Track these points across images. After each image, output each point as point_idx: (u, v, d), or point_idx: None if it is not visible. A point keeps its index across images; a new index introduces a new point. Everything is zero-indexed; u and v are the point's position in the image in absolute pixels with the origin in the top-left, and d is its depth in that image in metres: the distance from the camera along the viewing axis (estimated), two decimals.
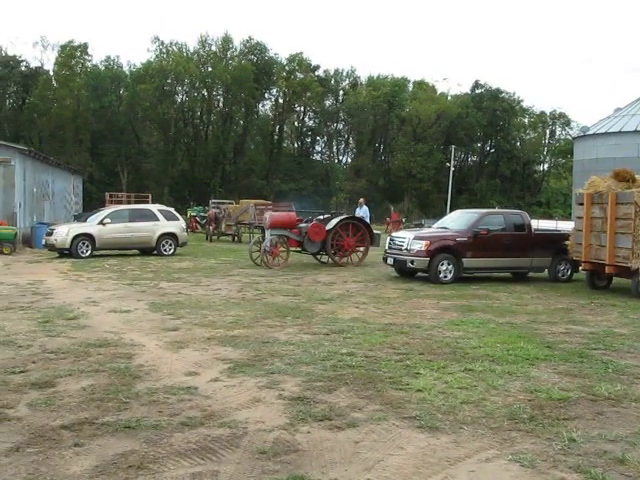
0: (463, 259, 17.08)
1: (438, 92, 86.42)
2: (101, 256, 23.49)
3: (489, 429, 5.73)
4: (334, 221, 21.25)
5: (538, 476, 4.81)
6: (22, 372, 7.28)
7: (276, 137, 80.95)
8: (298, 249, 21.45)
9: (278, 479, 4.63)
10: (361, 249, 22.05)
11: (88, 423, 5.67)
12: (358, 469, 4.85)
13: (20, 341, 8.89)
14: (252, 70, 71.66)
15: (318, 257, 22.37)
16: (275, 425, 5.72)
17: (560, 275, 18.12)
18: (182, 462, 4.91)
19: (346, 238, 21.36)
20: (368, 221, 24.13)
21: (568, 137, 78.20)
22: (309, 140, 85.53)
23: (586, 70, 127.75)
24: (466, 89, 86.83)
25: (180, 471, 4.76)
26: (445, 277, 16.91)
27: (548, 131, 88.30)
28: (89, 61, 73.45)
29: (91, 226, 24.10)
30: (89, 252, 23.49)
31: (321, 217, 22.36)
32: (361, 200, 26.65)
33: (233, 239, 36.41)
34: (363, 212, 25.41)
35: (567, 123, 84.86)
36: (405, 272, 17.99)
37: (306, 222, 21.61)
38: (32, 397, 6.40)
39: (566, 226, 23.77)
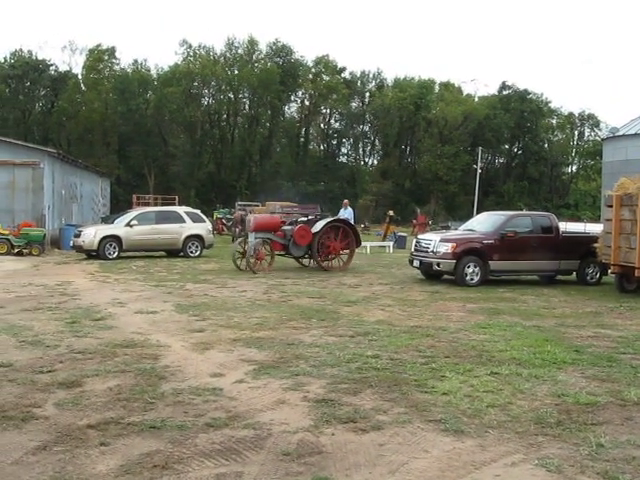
0: (490, 262, 16.95)
1: (465, 93, 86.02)
2: (128, 258, 23.67)
3: (515, 433, 5.67)
4: (320, 224, 20.42)
5: None
6: (50, 372, 7.35)
7: (302, 139, 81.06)
8: (282, 253, 20.60)
9: None
10: (345, 253, 21.28)
11: (114, 423, 5.71)
12: (382, 472, 4.83)
13: (48, 341, 8.97)
14: (278, 72, 71.84)
15: (301, 260, 21.55)
16: (299, 427, 5.71)
17: (589, 278, 17.93)
18: (206, 463, 4.92)
19: (332, 242, 20.57)
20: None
21: (597, 138, 77.45)
22: (335, 142, 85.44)
23: (615, 70, 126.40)
24: (493, 90, 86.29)
25: (204, 472, 4.77)
26: (471, 280, 16.79)
27: (577, 132, 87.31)
28: (117, 64, 74.14)
29: (118, 228, 24.31)
30: (116, 254, 23.69)
31: (304, 219, 21.32)
32: (345, 201, 25.66)
33: None
34: (348, 214, 24.33)
35: (596, 124, 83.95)
36: (431, 274, 17.90)
37: (289, 224, 20.76)
38: (59, 396, 6.45)
39: (595, 228, 23.59)
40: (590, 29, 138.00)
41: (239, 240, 20.84)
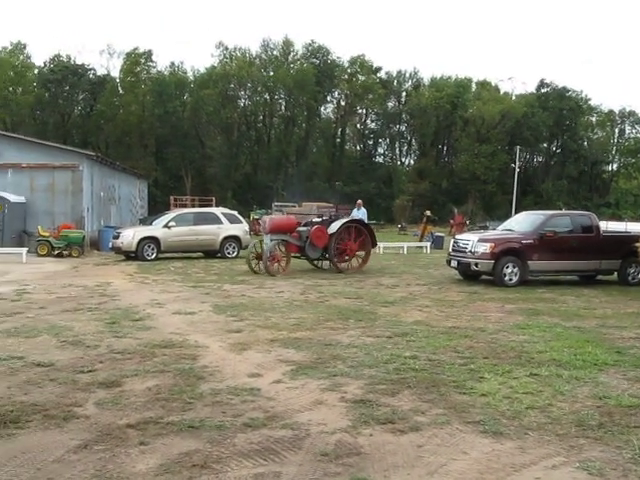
0: (529, 262, 16.75)
1: (502, 92, 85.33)
2: (166, 259, 23.87)
3: (556, 435, 5.59)
4: (336, 224, 19.99)
5: None
6: (90, 371, 7.44)
7: (338, 140, 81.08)
8: (297, 254, 20.05)
9: None
10: (361, 254, 20.83)
11: (153, 422, 5.75)
12: (421, 473, 4.80)
13: (88, 341, 9.08)
14: (314, 73, 72.00)
15: (316, 263, 20.93)
16: (337, 427, 5.70)
17: (630, 278, 17.63)
18: (245, 462, 4.94)
19: (348, 242, 20.12)
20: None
21: (638, 136, 76.19)
22: (371, 142, 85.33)
23: None
24: (531, 88, 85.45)
25: (243, 471, 4.78)
26: (510, 280, 16.62)
27: (617, 130, 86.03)
28: (154, 67, 74.98)
29: (156, 229, 24.53)
30: (154, 255, 23.90)
31: (319, 220, 21.07)
32: (359, 202, 24.70)
33: None
34: (361, 214, 23.63)
35: (637, 121, 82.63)
36: (469, 275, 17.77)
37: (304, 226, 20.33)
38: (99, 396, 6.53)
39: (637, 227, 23.19)
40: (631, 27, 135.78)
41: (254, 242, 20.41)
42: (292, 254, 19.79)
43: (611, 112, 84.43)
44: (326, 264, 20.73)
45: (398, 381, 7.17)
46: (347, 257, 20.40)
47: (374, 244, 21.36)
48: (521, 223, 18.52)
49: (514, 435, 5.58)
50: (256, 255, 19.71)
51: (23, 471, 4.74)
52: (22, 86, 72.71)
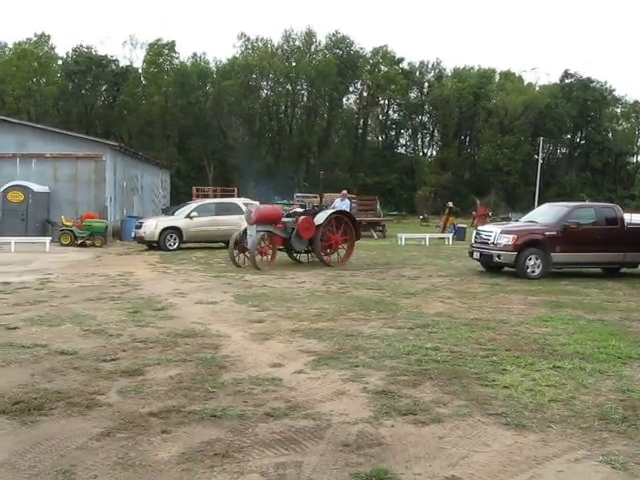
0: (552, 254, 16.62)
1: (525, 82, 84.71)
2: (188, 249, 23.98)
3: (579, 429, 5.54)
4: (323, 215, 18.94)
5: (630, 479, 4.62)
6: (113, 360, 7.48)
7: (360, 130, 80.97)
8: (280, 247, 18.88)
9: (361, 472, 4.60)
10: (344, 247, 19.86)
11: (175, 411, 5.78)
12: (442, 465, 4.78)
13: (111, 330, 9.14)
14: (336, 64, 71.86)
15: (296, 256, 20.00)
16: (359, 418, 5.69)
17: None
18: (266, 452, 4.94)
19: (333, 234, 19.17)
20: None
21: None
22: (393, 133, 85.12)
23: None
24: (555, 79, 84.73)
25: (264, 461, 4.79)
26: (533, 272, 16.51)
27: None
28: (176, 58, 75.21)
29: (178, 219, 24.66)
30: (176, 245, 24.04)
31: (301, 210, 19.92)
32: (344, 192, 23.75)
33: None
34: (345, 205, 22.43)
35: None
36: (491, 266, 17.67)
37: (288, 217, 19.18)
38: (122, 384, 6.56)
39: None
40: None
41: (236, 234, 18.76)
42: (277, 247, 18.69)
43: (636, 103, 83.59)
44: (305, 257, 20.07)
45: (420, 372, 7.14)
46: (328, 250, 19.37)
47: (358, 236, 20.42)
48: (544, 215, 18.37)
49: (536, 428, 5.53)
50: (238, 247, 18.70)
51: (46, 457, 4.78)
52: (46, 77, 73.32)
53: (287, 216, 19.20)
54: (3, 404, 5.84)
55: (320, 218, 18.78)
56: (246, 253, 18.54)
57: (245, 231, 18.45)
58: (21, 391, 6.25)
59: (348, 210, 21.99)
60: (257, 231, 17.78)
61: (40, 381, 6.62)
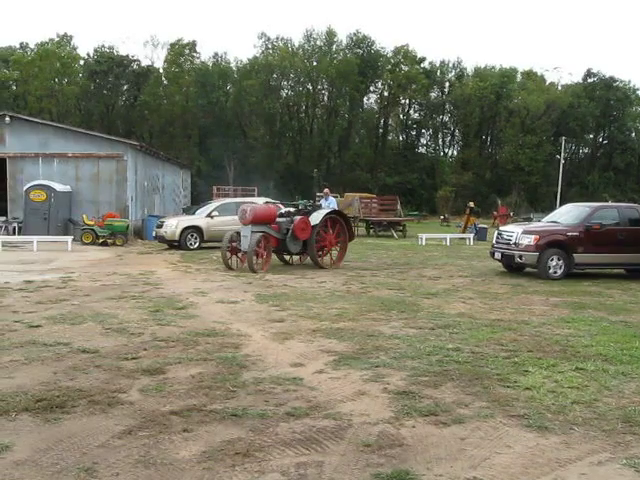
0: (574, 254, 16.50)
1: (547, 82, 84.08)
2: (209, 248, 24.04)
3: (602, 431, 5.49)
4: (319, 215, 18.15)
5: None
6: (134, 359, 7.52)
7: (381, 130, 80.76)
8: (274, 248, 17.97)
9: (382, 472, 4.59)
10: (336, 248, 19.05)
11: (196, 410, 5.80)
12: (464, 466, 4.75)
13: (132, 329, 9.19)
14: (357, 63, 71.76)
15: (286, 258, 19.26)
16: (380, 418, 5.68)
17: None
18: (287, 451, 4.94)
19: (327, 235, 18.42)
20: None
21: None
22: (414, 133, 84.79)
23: None
24: (577, 78, 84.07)
25: (285, 460, 4.79)
26: (555, 273, 16.40)
27: None
28: (197, 58, 75.52)
29: (199, 219, 24.74)
30: (197, 244, 24.13)
31: (292, 210, 18.91)
32: (326, 190, 22.08)
33: None
34: (333, 204, 20.90)
35: None
36: (513, 267, 17.58)
37: (281, 216, 18.31)
38: (143, 383, 6.60)
39: None
40: None
41: (228, 235, 17.75)
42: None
43: None
44: (295, 258, 19.44)
45: (441, 373, 7.11)
46: (320, 252, 18.53)
47: (351, 237, 19.69)
48: (566, 215, 18.22)
49: (559, 430, 5.49)
50: (231, 249, 17.74)
51: (69, 455, 4.81)
52: (68, 77, 73.81)
53: (279, 216, 18.32)
54: (26, 402, 5.89)
55: (316, 218, 18.10)
56: (239, 255, 17.76)
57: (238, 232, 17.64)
58: (44, 389, 6.30)
59: (335, 208, 20.48)
60: (253, 232, 16.92)
61: (62, 379, 6.67)
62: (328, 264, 18.51)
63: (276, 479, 4.50)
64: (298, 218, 17.83)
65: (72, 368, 7.08)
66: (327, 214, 18.44)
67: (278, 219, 18.02)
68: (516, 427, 5.55)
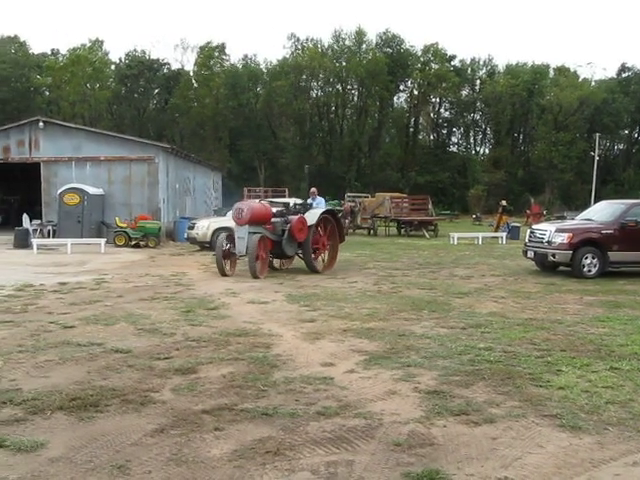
0: (609, 252, 16.26)
1: (581, 78, 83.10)
2: None
3: (637, 431, 5.40)
4: (314, 215, 17.03)
5: None
6: (166, 358, 7.58)
7: (411, 129, 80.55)
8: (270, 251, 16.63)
9: (412, 472, 4.57)
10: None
11: (228, 409, 5.83)
12: (495, 466, 4.71)
13: (164, 329, 9.26)
14: (386, 63, 71.61)
15: (271, 260, 17.46)
16: (410, 418, 5.66)
17: None
18: (317, 450, 4.95)
19: (321, 237, 17.37)
20: None
21: None
22: (445, 131, 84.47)
23: None
24: (611, 73, 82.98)
25: (315, 459, 4.79)
26: (589, 271, 16.18)
27: None
28: (227, 60, 76.06)
29: (230, 220, 24.78)
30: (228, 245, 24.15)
31: (283, 210, 17.58)
32: (313, 190, 20.24)
33: (369, 232, 36.62)
34: (322, 204, 19.32)
35: None
36: (546, 266, 17.38)
37: (275, 216, 17.02)
38: (175, 382, 6.65)
39: None
40: None
41: (222, 237, 16.50)
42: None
43: None
44: (278, 263, 18.20)
45: (472, 372, 7.07)
46: (313, 255, 17.26)
47: (342, 239, 18.56)
48: (601, 213, 17.97)
49: (593, 430, 5.42)
50: (224, 253, 16.33)
51: (102, 453, 4.87)
52: (100, 82, 74.74)
53: (274, 216, 17.02)
54: (61, 400, 5.97)
55: (312, 218, 16.93)
56: (233, 259, 16.64)
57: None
58: (78, 388, 6.38)
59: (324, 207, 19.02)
60: (250, 233, 15.82)
61: (96, 378, 6.74)
62: (320, 267, 17.42)
63: (306, 477, 4.51)
64: (295, 218, 16.64)
65: (105, 368, 7.16)
66: (322, 213, 17.43)
67: (273, 219, 16.89)
68: (549, 427, 5.49)
